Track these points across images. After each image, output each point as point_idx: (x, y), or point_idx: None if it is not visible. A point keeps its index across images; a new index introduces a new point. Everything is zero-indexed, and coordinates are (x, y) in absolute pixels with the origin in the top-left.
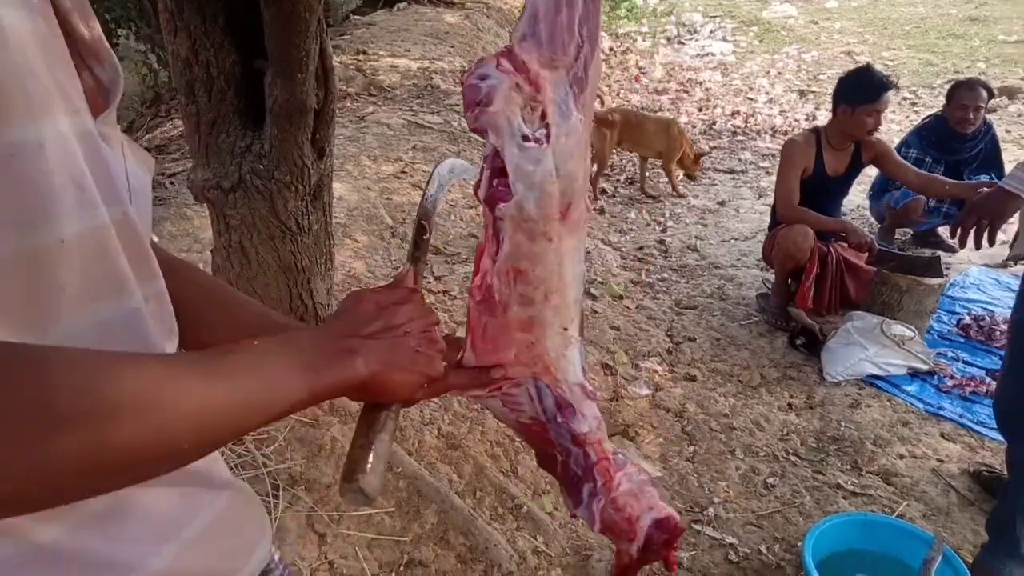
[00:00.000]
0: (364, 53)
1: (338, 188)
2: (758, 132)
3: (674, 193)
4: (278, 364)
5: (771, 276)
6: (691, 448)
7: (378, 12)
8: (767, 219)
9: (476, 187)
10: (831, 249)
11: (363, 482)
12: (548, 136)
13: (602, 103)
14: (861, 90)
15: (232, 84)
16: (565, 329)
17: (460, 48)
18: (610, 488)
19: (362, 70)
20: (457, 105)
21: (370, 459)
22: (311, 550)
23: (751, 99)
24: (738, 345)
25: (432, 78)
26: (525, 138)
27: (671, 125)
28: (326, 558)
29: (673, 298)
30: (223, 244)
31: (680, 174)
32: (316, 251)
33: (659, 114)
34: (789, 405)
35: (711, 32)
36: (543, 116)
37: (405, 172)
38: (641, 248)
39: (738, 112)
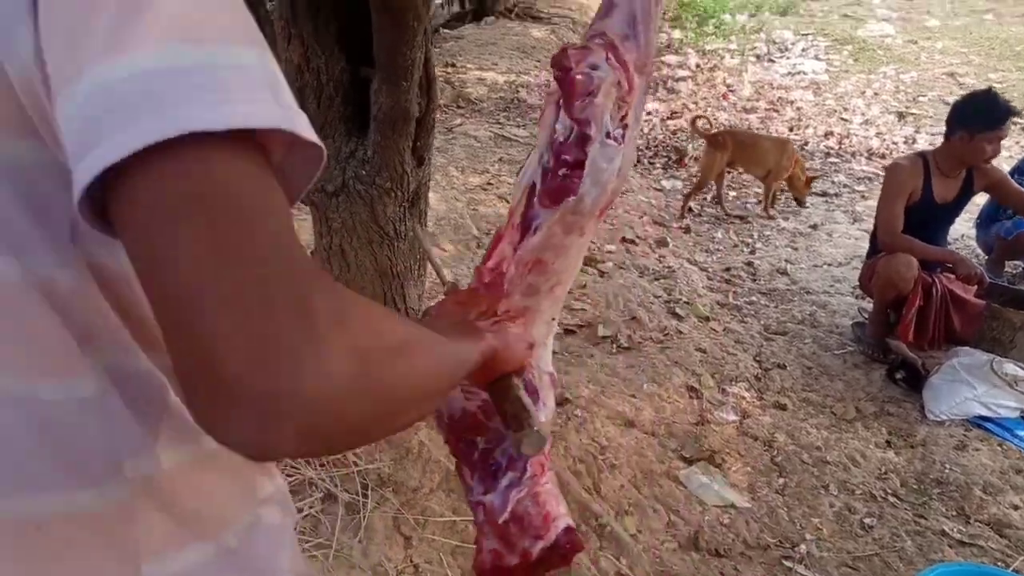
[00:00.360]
0: (452, 66)
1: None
2: (852, 154)
3: (763, 214)
4: (455, 335)
5: (868, 305)
6: (781, 480)
7: (466, 26)
8: (863, 245)
9: (523, 172)
10: (936, 280)
11: (538, 425)
12: (623, 137)
13: (710, 124)
14: (982, 115)
15: (340, 91)
16: (553, 319)
17: (546, 63)
18: (538, 482)
19: (450, 82)
20: None
21: (529, 409)
22: (397, 552)
23: (845, 120)
24: (831, 375)
25: (518, 91)
26: (607, 135)
27: (786, 144)
28: (411, 561)
29: (762, 322)
30: (324, 246)
31: (774, 196)
32: (411, 257)
33: (773, 134)
34: (888, 442)
35: (803, 50)
36: (623, 117)
37: (491, 184)
38: (728, 269)
39: (831, 133)
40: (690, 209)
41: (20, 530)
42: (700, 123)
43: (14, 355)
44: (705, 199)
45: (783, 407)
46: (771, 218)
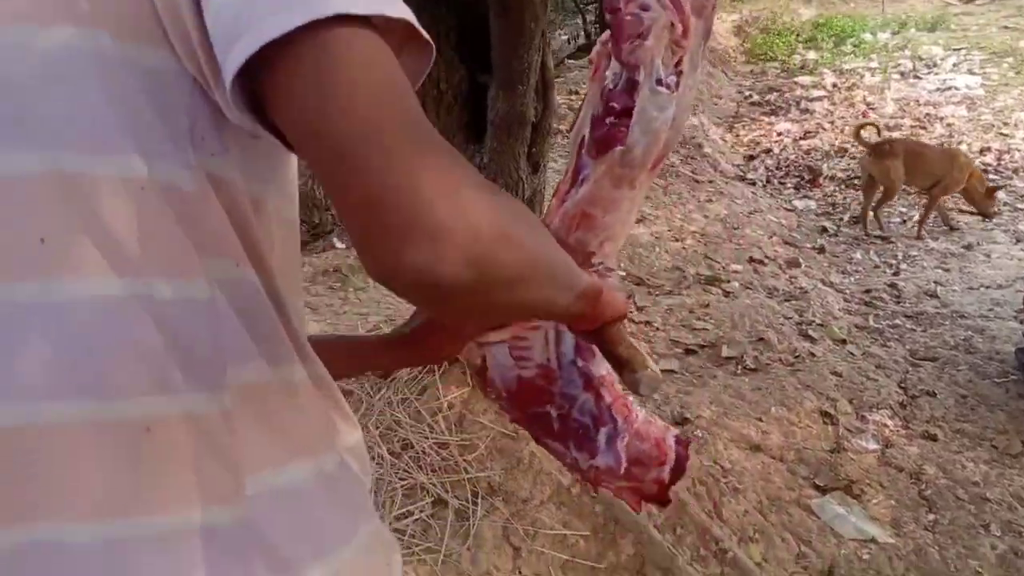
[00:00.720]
0: (576, 94)
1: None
2: (1014, 171)
3: (914, 233)
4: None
5: None
6: (931, 516)
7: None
8: None
9: (575, 126)
10: None
11: (652, 366)
12: (678, 84)
13: (879, 132)
14: None
15: (459, 99)
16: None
17: None
18: (631, 423)
19: (573, 109)
20: None
21: (640, 350)
22: (505, 562)
23: (1005, 135)
24: (991, 405)
25: None
26: (659, 82)
27: (957, 155)
28: (520, 572)
29: (907, 347)
30: None
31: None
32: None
33: (942, 144)
34: None
35: (954, 65)
36: (678, 63)
37: None
38: (868, 291)
39: (988, 149)
40: (824, 229)
41: (130, 432)
42: (865, 132)
43: (135, 252)
44: (842, 219)
45: (933, 437)
46: (919, 238)
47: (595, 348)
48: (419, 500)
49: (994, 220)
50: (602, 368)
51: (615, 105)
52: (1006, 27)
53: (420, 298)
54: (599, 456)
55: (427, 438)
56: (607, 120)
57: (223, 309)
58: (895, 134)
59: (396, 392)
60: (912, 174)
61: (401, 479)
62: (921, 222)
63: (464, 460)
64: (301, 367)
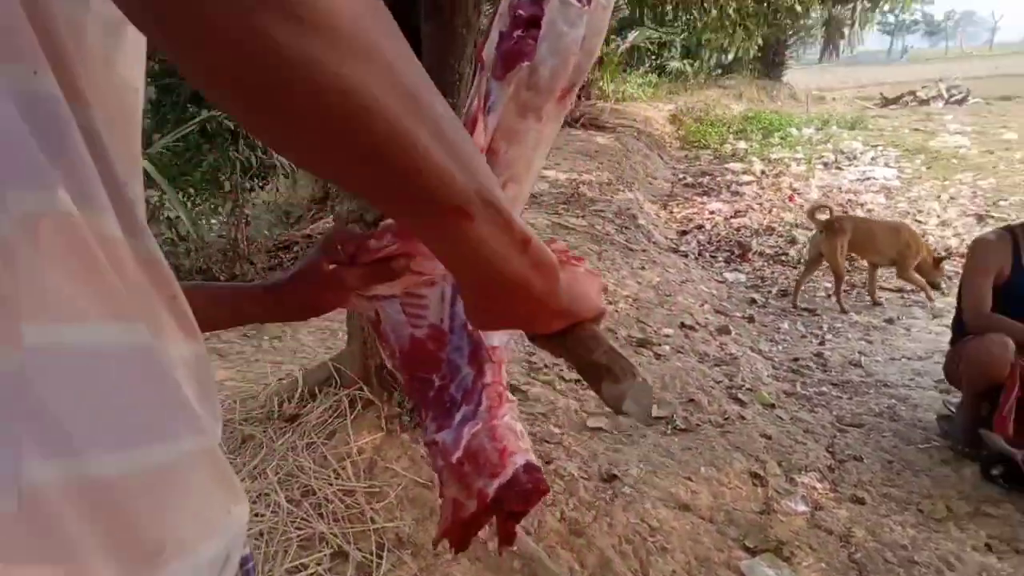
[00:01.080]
0: None
1: None
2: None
3: (925, 294)
4: None
5: (954, 398)
6: None
7: None
8: (943, 340)
9: (482, 44)
10: None
11: (642, 374)
12: (590, 1)
13: (830, 212)
14: None
15: None
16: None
17: (608, 164)
18: (494, 415)
19: None
20: (602, 210)
21: (625, 357)
22: None
23: (920, 222)
24: (916, 470)
25: (579, 187)
26: None
27: (901, 229)
28: None
29: (834, 414)
30: None
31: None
32: None
33: (887, 219)
34: (987, 546)
35: (872, 159)
36: None
37: None
38: (796, 360)
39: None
40: (753, 300)
41: None
42: (819, 213)
43: None
44: (770, 291)
45: (861, 501)
46: (931, 299)
47: None
48: (316, 552)
49: (911, 298)
50: (495, 339)
51: (521, 13)
52: (917, 129)
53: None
54: (443, 432)
55: (331, 484)
56: (514, 34)
57: (12, 121)
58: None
59: (302, 436)
60: (864, 251)
61: (298, 528)
62: (923, 287)
63: (371, 508)
64: (117, 224)
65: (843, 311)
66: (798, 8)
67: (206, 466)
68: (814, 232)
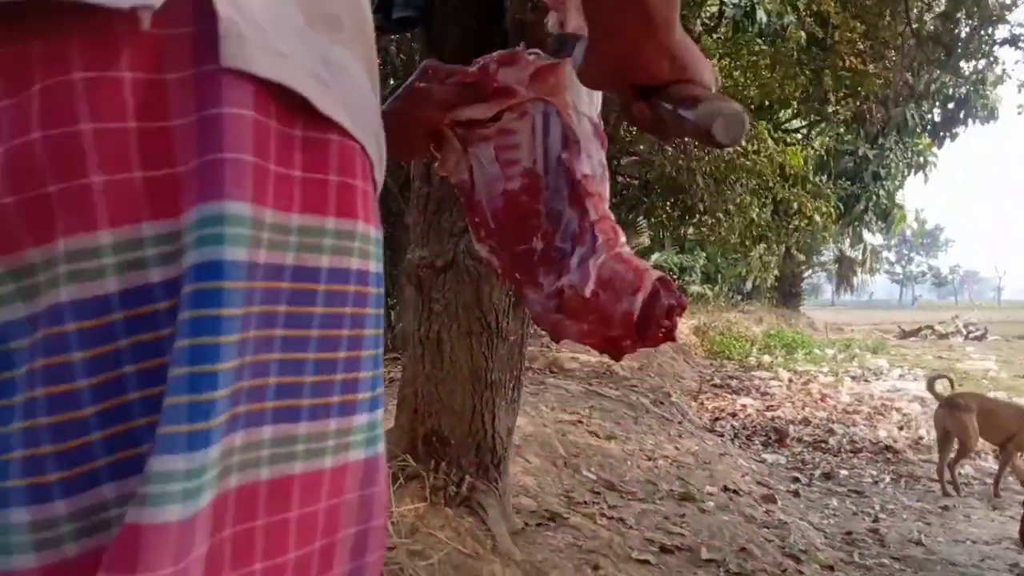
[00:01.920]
0: (548, 347)
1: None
2: (977, 452)
3: (993, 492)
4: None
5: None
6: None
7: None
8: (1010, 528)
9: None
10: None
11: (735, 105)
12: None
13: (952, 386)
14: None
15: None
16: None
17: (637, 357)
18: (614, 246)
19: (544, 354)
20: (636, 386)
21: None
22: None
23: None
24: None
25: (610, 367)
26: None
27: None
28: None
29: None
30: (421, 336)
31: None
32: (507, 369)
33: (1013, 400)
34: None
35: (900, 376)
36: None
37: (582, 422)
38: (849, 533)
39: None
40: (796, 479)
41: None
42: (939, 384)
43: None
44: (813, 474)
45: None
46: (997, 496)
47: (581, 143)
48: None
49: (966, 490)
50: (586, 166)
51: None
52: (940, 356)
53: None
54: (567, 275)
55: None
56: None
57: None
58: (856, 417)
59: None
60: (985, 429)
61: None
62: (997, 480)
63: (413, 567)
64: None
65: (945, 493)
66: (817, 219)
67: None
68: (936, 408)
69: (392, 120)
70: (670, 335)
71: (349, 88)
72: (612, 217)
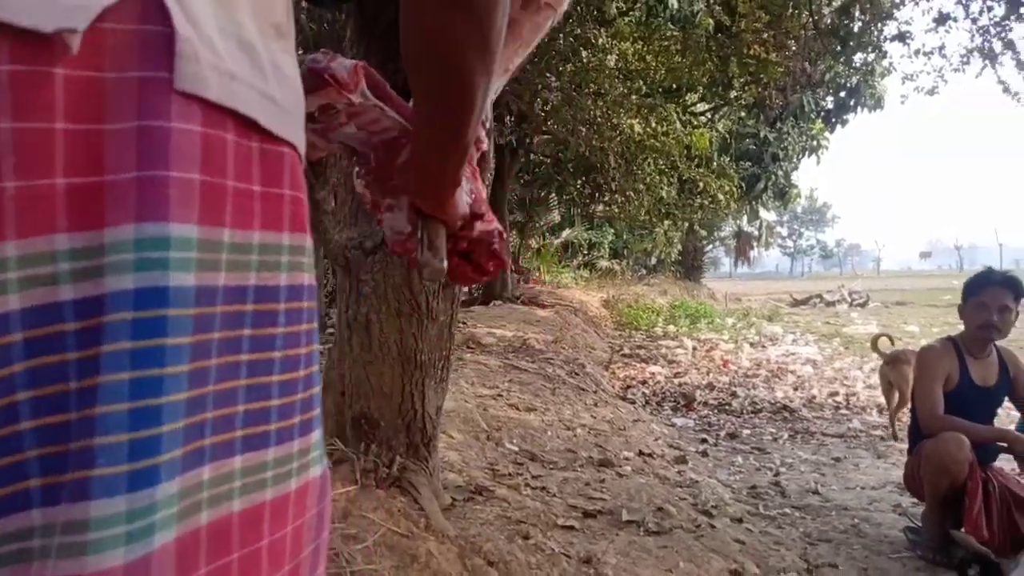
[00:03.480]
0: (463, 323)
1: None
2: (863, 408)
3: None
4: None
5: (918, 509)
6: None
7: (474, 307)
8: (893, 473)
9: None
10: (991, 476)
11: (443, 266)
12: None
13: (891, 343)
14: (970, 284)
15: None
16: (506, 70)
17: (550, 329)
18: (477, 179)
19: (461, 331)
20: (551, 359)
21: (443, 251)
22: None
23: (847, 384)
24: None
25: (526, 341)
26: None
27: None
28: None
29: (800, 530)
30: (349, 318)
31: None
32: (437, 350)
33: None
34: None
35: (793, 340)
36: None
37: (502, 396)
38: (754, 487)
39: (836, 393)
40: (704, 440)
41: None
42: (881, 342)
43: None
44: (719, 434)
45: None
46: (895, 439)
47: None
48: None
49: (853, 443)
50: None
51: None
52: (828, 322)
53: None
54: None
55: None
56: None
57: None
58: (755, 380)
59: None
60: None
61: None
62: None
63: (348, 551)
64: None
65: (894, 438)
66: (720, 197)
67: None
68: (880, 365)
69: None
70: (483, 269)
71: (292, 96)
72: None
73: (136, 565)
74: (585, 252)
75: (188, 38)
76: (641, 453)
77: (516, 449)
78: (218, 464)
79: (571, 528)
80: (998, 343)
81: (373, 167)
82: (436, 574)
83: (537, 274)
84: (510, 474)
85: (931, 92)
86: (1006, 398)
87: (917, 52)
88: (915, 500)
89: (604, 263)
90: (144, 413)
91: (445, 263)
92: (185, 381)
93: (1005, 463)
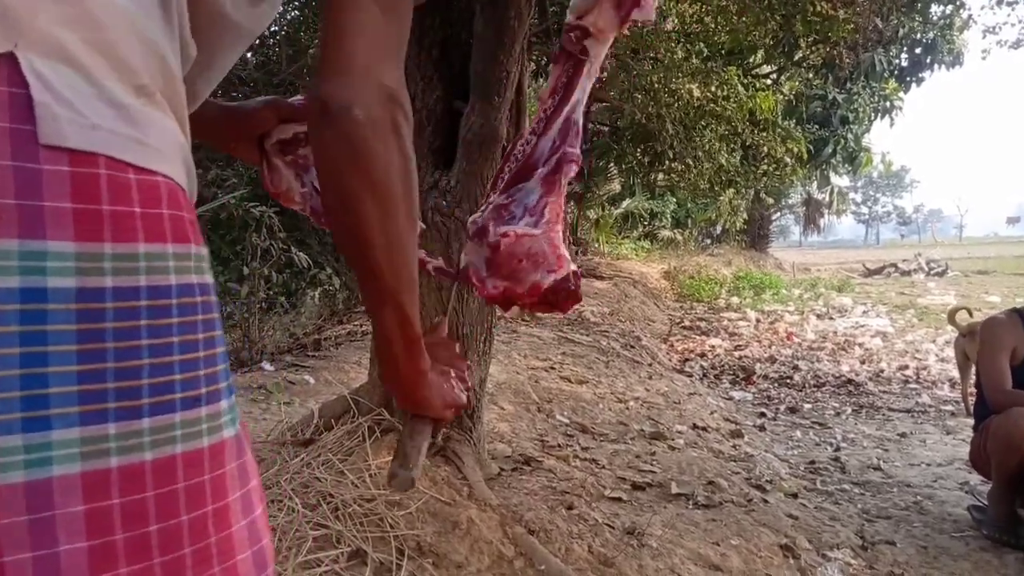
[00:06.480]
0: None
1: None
2: (933, 383)
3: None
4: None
5: (984, 487)
6: None
7: None
8: (962, 450)
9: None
10: None
11: (415, 472)
12: None
13: (970, 315)
14: None
15: (432, 120)
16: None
17: (607, 301)
18: (553, 228)
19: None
20: (607, 331)
21: (420, 457)
22: None
23: (919, 358)
24: (954, 556)
25: (581, 313)
26: None
27: None
28: None
29: (858, 507)
30: None
31: None
32: (479, 323)
33: None
34: None
35: (864, 312)
36: None
37: (554, 368)
38: (812, 463)
39: (906, 367)
40: (763, 414)
41: None
42: (960, 315)
43: None
44: (779, 408)
45: None
46: (970, 415)
47: None
48: (332, 550)
49: (921, 418)
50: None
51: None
52: (902, 293)
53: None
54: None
55: (350, 492)
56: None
57: None
58: (820, 353)
59: (317, 455)
60: None
61: (314, 528)
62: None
63: (392, 516)
64: None
65: (969, 414)
66: (787, 161)
67: None
68: (956, 337)
69: (229, 116)
70: (558, 309)
71: (163, 139)
72: (563, 202)
73: (36, 485)
74: (646, 222)
75: (45, 103)
76: (695, 426)
77: (567, 421)
78: (125, 424)
79: (618, 500)
80: None
81: None
82: (476, 540)
83: (596, 246)
84: (559, 445)
85: (1016, 46)
86: None
87: (1000, 2)
88: (982, 478)
89: (666, 233)
90: (32, 378)
91: (417, 471)
92: (74, 357)
93: None
